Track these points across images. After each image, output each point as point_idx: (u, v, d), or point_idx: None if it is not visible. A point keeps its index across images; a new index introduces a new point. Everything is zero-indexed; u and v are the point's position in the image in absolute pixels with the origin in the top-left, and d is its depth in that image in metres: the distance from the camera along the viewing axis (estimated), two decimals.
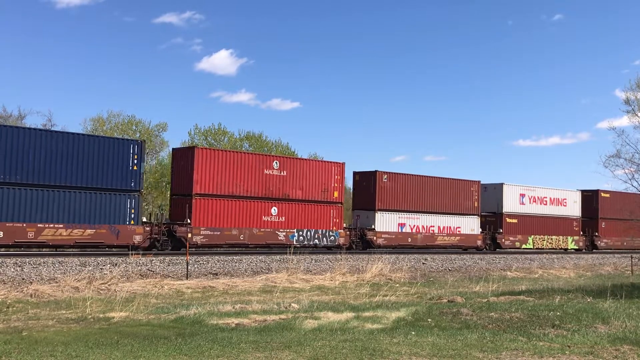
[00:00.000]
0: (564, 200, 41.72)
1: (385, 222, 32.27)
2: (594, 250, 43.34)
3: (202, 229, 25.45)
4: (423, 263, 28.95)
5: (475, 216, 36.39)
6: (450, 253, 34.26)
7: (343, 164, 30.91)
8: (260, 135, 52.45)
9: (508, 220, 38.16)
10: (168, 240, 25.25)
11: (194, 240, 25.17)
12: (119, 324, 11.49)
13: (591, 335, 10.30)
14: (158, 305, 14.20)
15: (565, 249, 41.73)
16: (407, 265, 26.42)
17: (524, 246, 38.96)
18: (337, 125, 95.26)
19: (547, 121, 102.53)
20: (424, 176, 34.55)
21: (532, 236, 39.33)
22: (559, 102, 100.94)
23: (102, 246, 23.70)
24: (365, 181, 32.77)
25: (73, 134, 24.15)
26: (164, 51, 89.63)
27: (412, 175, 33.99)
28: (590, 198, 43.44)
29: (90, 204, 22.77)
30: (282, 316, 12.26)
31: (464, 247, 36.13)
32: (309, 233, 28.98)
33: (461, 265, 29.62)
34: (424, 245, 33.98)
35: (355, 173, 33.98)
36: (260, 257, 25.11)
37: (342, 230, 30.41)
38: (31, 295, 15.99)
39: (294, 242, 28.13)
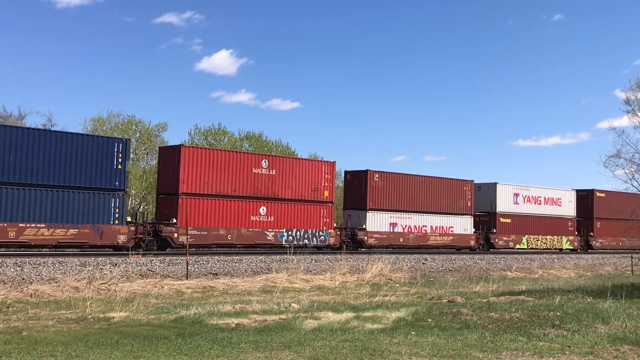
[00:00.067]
0: (559, 200, 41.32)
1: (377, 222, 31.92)
2: (589, 250, 42.89)
3: (189, 228, 24.87)
4: (423, 263, 28.95)
5: (468, 216, 36.09)
6: (450, 253, 34.13)
7: (334, 162, 30.58)
8: (260, 135, 52.55)
9: (502, 220, 37.83)
10: (154, 240, 24.79)
11: (180, 240, 24.72)
12: (119, 324, 11.49)
13: (591, 335, 10.30)
14: (158, 305, 14.19)
15: (560, 249, 41.34)
16: (407, 265, 26.42)
17: (517, 246, 38.60)
18: (337, 125, 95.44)
19: (547, 121, 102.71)
20: (416, 175, 34.17)
21: (526, 236, 39.01)
22: (559, 102, 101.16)
23: (85, 246, 23.22)
24: (357, 180, 32.27)
25: (55, 132, 23.71)
26: (164, 51, 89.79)
27: (404, 174, 33.60)
28: (585, 198, 43.01)
29: (73, 203, 22.32)
30: (282, 316, 12.26)
31: (456, 247, 35.78)
32: (298, 233, 28.66)
33: (461, 266, 29.62)
34: (416, 245, 33.58)
35: (346, 172, 33.59)
36: (260, 257, 25.09)
37: (332, 230, 30.07)
38: (31, 295, 15.99)
39: (283, 242, 27.85)
